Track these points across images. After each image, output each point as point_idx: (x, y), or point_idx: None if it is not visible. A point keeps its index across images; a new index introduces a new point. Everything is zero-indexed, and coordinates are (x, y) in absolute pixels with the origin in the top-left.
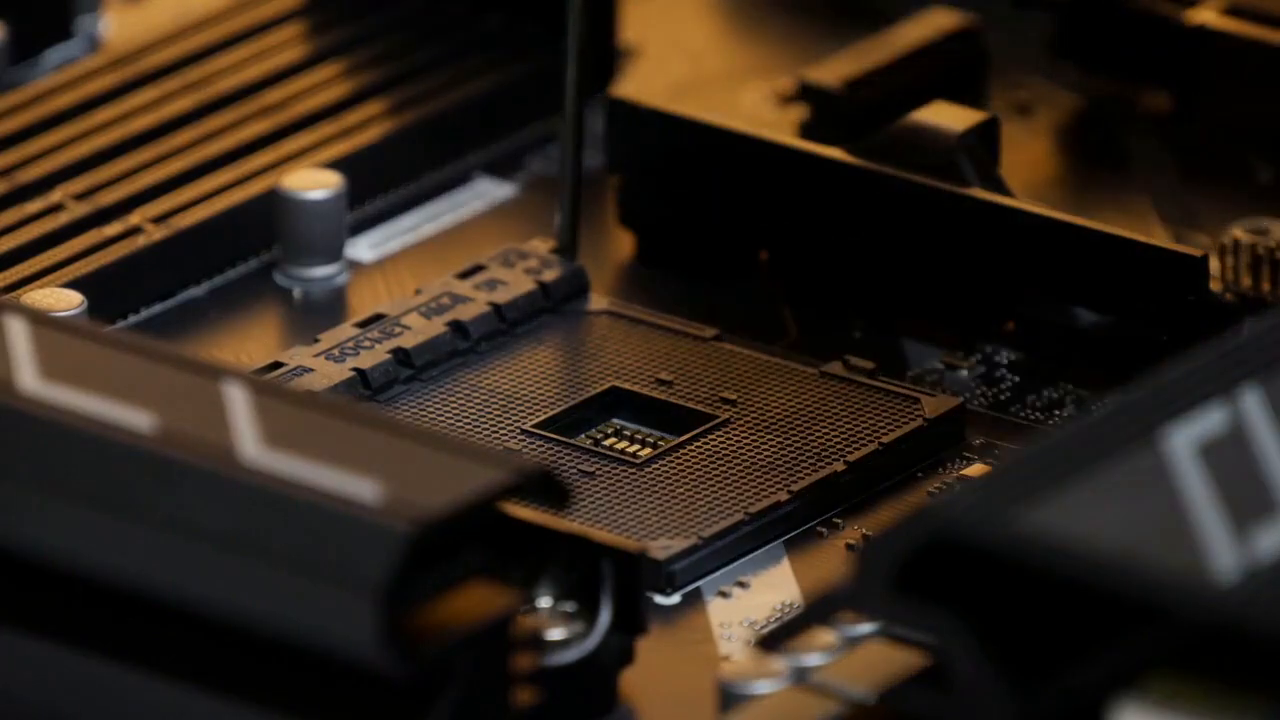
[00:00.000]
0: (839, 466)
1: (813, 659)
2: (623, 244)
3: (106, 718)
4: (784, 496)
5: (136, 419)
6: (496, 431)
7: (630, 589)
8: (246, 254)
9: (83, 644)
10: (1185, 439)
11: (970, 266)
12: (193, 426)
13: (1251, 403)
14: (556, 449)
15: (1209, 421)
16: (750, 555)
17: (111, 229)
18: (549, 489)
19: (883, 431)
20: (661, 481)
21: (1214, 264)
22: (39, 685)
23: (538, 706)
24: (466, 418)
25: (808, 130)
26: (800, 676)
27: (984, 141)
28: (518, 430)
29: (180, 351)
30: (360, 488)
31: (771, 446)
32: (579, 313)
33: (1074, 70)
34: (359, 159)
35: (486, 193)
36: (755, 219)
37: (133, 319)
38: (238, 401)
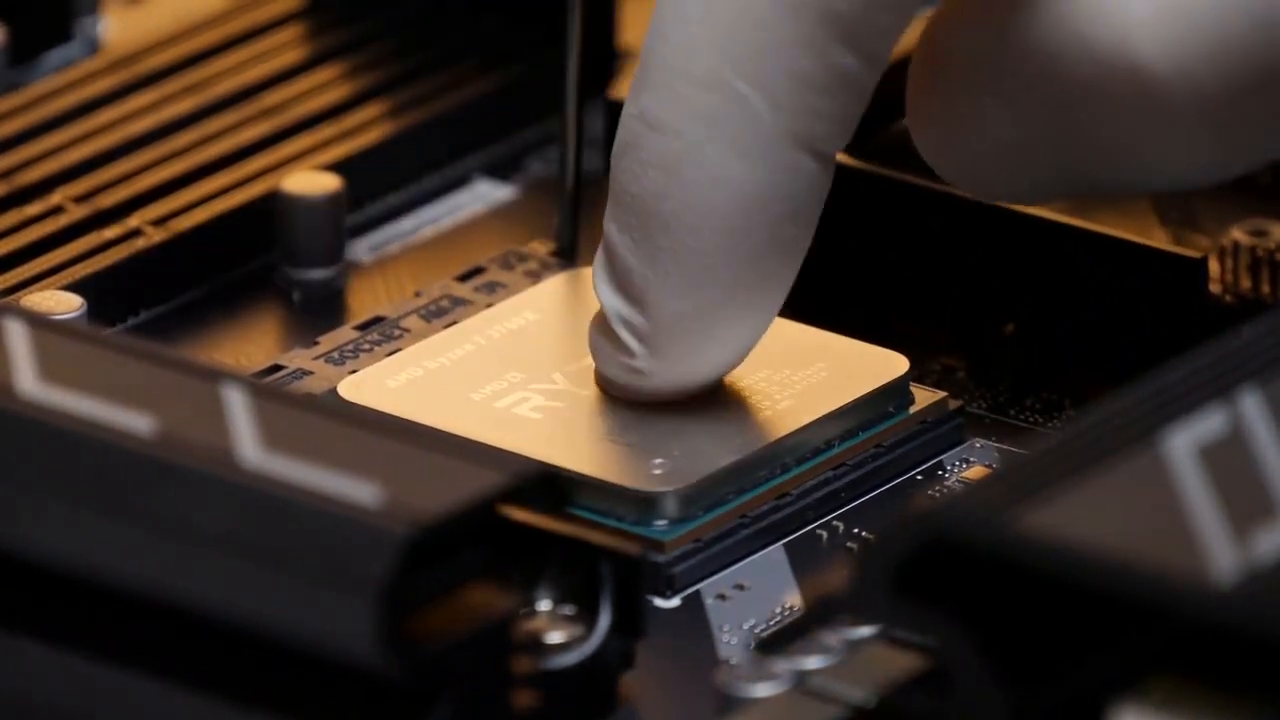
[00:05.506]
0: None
1: (812, 662)
2: None
3: (106, 718)
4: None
5: (136, 422)
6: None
7: (630, 592)
8: (246, 256)
9: (83, 644)
10: (1185, 441)
11: (970, 268)
12: (192, 429)
13: (1250, 404)
14: None
15: (1208, 423)
16: (750, 558)
17: (111, 231)
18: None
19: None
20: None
21: (1213, 266)
22: (39, 685)
23: (537, 709)
24: None
25: None
26: (800, 679)
27: None
28: None
29: (180, 354)
30: (359, 490)
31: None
32: None
33: None
34: (358, 161)
35: (486, 195)
36: None
37: (132, 321)
38: (237, 404)
